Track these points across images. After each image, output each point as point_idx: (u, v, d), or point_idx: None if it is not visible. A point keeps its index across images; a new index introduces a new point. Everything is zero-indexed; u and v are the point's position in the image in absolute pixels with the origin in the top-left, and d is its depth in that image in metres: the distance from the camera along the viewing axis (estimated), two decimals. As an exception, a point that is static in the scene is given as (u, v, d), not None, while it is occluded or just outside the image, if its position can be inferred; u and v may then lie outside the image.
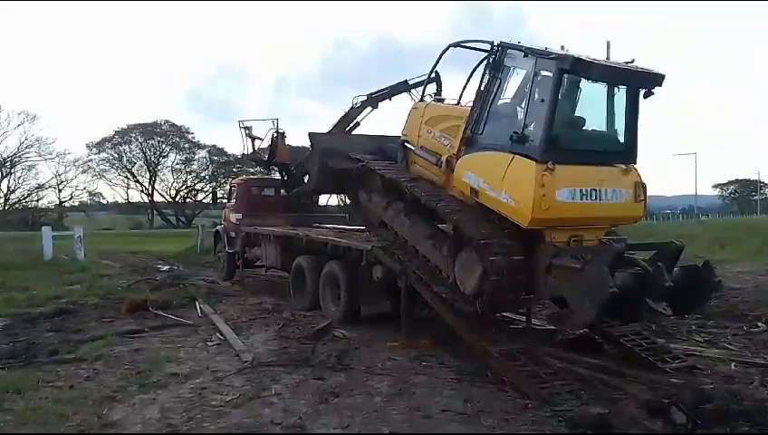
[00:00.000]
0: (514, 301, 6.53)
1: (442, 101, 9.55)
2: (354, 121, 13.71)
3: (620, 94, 6.71)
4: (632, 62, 6.67)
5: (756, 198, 79.73)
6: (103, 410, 5.39)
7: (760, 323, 8.85)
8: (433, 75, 11.44)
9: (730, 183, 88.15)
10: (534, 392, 5.67)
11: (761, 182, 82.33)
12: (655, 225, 41.99)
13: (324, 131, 13.37)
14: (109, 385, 6.11)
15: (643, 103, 6.60)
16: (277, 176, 15.33)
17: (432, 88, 11.51)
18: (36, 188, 54.03)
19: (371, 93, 13.60)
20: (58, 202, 55.99)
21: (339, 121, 13.75)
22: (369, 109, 13.65)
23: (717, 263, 15.96)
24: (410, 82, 12.87)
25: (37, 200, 54.85)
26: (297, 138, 13.25)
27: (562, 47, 6.47)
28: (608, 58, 6.74)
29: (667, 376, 6.25)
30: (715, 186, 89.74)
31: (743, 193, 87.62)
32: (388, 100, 13.50)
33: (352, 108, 13.64)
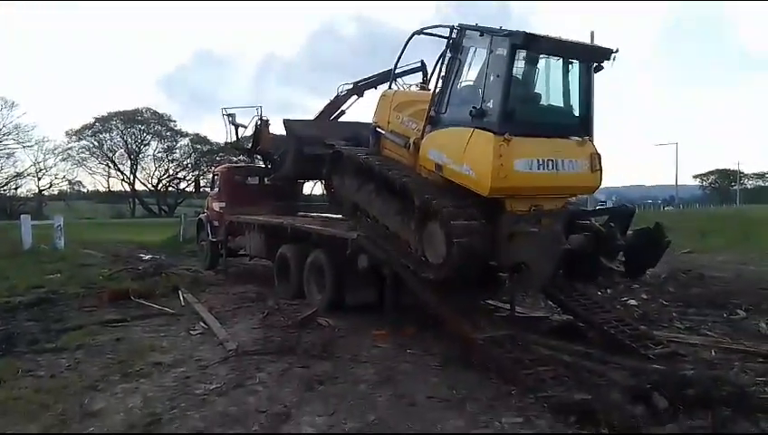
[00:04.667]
0: (479, 268, 6.83)
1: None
2: (339, 110, 13.61)
3: (574, 70, 7.05)
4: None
5: (736, 188, 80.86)
6: (85, 399, 5.33)
7: (740, 311, 8.98)
8: (418, 64, 11.51)
9: (710, 173, 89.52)
10: (519, 379, 5.70)
11: (740, 172, 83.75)
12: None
13: (303, 119, 13.31)
14: (90, 374, 6.04)
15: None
16: (261, 164, 15.19)
17: (418, 77, 11.53)
18: (15, 176, 53.11)
19: (357, 82, 13.50)
20: (37, 191, 55.13)
21: (324, 110, 13.65)
22: (355, 97, 13.55)
23: (699, 252, 16.32)
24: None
25: (15, 189, 53.94)
26: (281, 126, 13.09)
27: None
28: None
29: (650, 362, 6.32)
30: (696, 176, 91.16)
31: (723, 183, 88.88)
32: (373, 88, 13.40)
33: (338, 96, 13.54)
